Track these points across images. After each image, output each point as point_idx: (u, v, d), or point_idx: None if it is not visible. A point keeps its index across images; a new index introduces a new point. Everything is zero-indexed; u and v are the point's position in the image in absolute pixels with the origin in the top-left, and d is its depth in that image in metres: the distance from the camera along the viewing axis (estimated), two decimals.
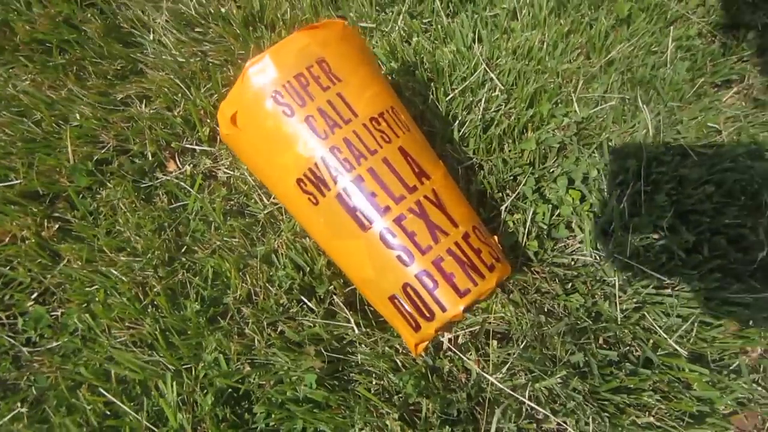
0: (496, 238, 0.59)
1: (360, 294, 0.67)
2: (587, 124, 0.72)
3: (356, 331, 0.65)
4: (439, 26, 0.78)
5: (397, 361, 0.64)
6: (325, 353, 0.64)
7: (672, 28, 0.76)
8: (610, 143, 0.70)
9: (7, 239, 0.72)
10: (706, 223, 0.66)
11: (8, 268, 0.70)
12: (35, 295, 0.70)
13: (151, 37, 0.82)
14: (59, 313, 0.69)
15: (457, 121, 0.73)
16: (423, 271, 0.53)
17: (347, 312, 0.66)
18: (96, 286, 0.69)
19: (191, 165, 0.75)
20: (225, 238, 0.70)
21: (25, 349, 0.67)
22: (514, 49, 0.74)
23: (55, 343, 0.67)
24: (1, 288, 0.70)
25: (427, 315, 0.53)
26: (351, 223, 0.54)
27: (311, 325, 0.66)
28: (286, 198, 0.58)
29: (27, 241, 0.71)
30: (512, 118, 0.72)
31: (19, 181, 0.73)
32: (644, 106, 0.72)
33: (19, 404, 0.65)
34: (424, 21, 0.81)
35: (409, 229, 0.53)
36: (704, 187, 0.67)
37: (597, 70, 0.74)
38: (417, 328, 0.54)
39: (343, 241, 0.56)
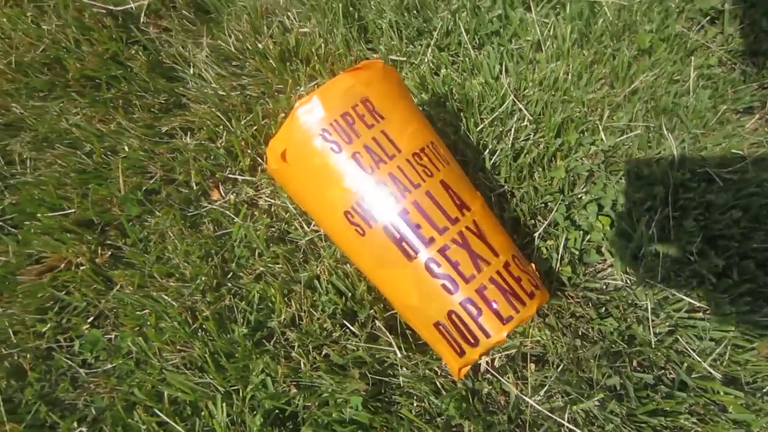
0: (533, 265, 0.62)
1: (401, 319, 0.70)
2: (614, 152, 0.75)
3: (398, 355, 0.67)
4: (467, 58, 0.82)
5: (438, 383, 0.67)
6: (368, 376, 0.66)
7: (693, 57, 0.79)
8: (636, 170, 0.73)
9: (63, 265, 0.75)
10: (735, 248, 0.68)
11: (64, 292, 0.74)
12: (91, 318, 0.73)
13: (192, 72, 0.85)
14: (113, 336, 0.72)
15: (488, 150, 0.76)
16: (467, 299, 0.55)
17: (389, 336, 0.69)
18: (147, 311, 0.72)
19: (234, 194, 0.79)
20: (269, 264, 0.73)
21: (81, 370, 0.70)
22: (540, 80, 0.77)
23: (109, 365, 0.70)
24: (58, 312, 0.73)
25: (472, 341, 0.56)
26: (397, 253, 0.57)
27: (355, 348, 0.68)
28: (333, 229, 0.61)
29: (82, 267, 0.74)
30: (541, 146, 0.75)
31: (73, 210, 0.76)
32: (669, 134, 0.74)
33: (76, 424, 0.68)
34: (451, 53, 0.84)
35: (453, 258, 0.56)
36: (731, 212, 0.70)
37: (621, 99, 0.76)
38: (461, 353, 0.57)
39: (388, 270, 0.59)
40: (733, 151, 0.74)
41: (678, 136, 0.75)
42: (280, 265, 0.73)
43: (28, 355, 0.71)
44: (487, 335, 0.55)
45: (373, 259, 0.59)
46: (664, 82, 0.77)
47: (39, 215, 0.76)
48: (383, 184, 0.56)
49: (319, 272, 0.73)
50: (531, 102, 0.77)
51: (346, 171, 0.57)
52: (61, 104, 0.83)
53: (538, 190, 0.73)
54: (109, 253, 0.76)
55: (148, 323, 0.71)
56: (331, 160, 0.57)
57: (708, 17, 0.83)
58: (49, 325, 0.72)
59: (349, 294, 0.71)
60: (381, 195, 0.56)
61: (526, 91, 0.77)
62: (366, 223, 0.58)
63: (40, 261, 0.75)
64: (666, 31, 0.80)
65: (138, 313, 0.72)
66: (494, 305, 0.55)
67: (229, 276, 0.74)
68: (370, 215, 0.57)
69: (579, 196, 0.73)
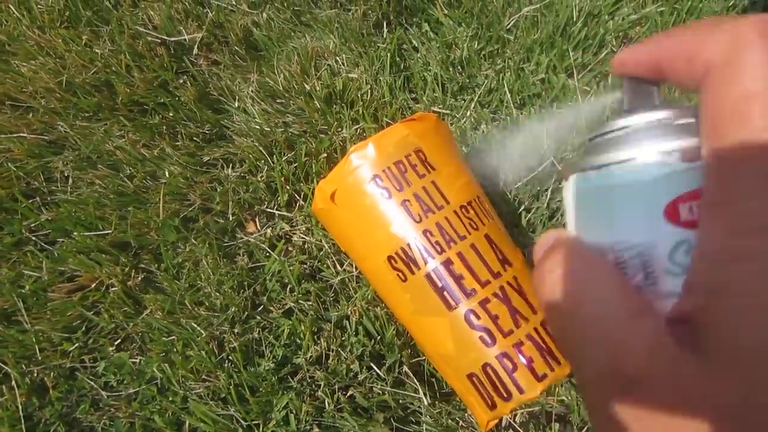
0: None
1: (428, 366, 0.75)
2: None
3: (424, 402, 0.72)
4: (508, 117, 0.89)
5: None
6: (392, 421, 0.71)
7: None
8: None
9: (94, 285, 0.80)
10: None
11: (93, 313, 0.79)
12: (117, 341, 0.78)
13: (237, 105, 0.93)
14: (138, 360, 0.77)
15: (523, 208, 0.83)
16: (503, 353, 0.61)
17: (416, 382, 0.73)
18: (175, 337, 0.77)
19: (270, 228, 0.85)
20: (299, 301, 0.78)
21: (104, 392, 0.75)
22: (579, 145, 0.85)
23: (132, 390, 0.75)
24: (85, 332, 0.78)
25: (505, 395, 0.61)
26: (437, 301, 0.63)
27: (380, 392, 0.73)
28: (374, 272, 0.67)
29: (113, 289, 0.79)
30: None
31: (110, 231, 0.82)
32: None
33: None
34: (492, 110, 0.92)
35: (492, 312, 0.61)
36: None
37: None
38: (493, 406, 0.62)
39: (426, 318, 0.64)
40: None
41: None
42: (310, 303, 0.79)
43: (52, 374, 0.76)
44: (521, 391, 0.60)
45: (412, 305, 0.65)
46: None
47: (75, 234, 0.82)
48: (429, 233, 0.63)
49: (349, 312, 0.78)
50: None
51: (395, 217, 0.63)
52: (107, 126, 0.91)
53: None
54: (142, 276, 0.81)
55: (175, 350, 0.76)
56: (381, 205, 0.64)
57: None
58: (75, 345, 0.77)
59: (378, 337, 0.77)
60: (426, 243, 0.63)
61: (565, 154, 0.84)
62: (408, 269, 0.63)
63: (72, 279, 0.81)
64: None
65: (165, 339, 0.77)
66: (530, 362, 0.61)
67: (259, 309, 0.79)
68: (413, 262, 0.63)
69: None
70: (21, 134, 0.89)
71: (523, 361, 0.61)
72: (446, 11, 0.98)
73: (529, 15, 0.95)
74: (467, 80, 0.94)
